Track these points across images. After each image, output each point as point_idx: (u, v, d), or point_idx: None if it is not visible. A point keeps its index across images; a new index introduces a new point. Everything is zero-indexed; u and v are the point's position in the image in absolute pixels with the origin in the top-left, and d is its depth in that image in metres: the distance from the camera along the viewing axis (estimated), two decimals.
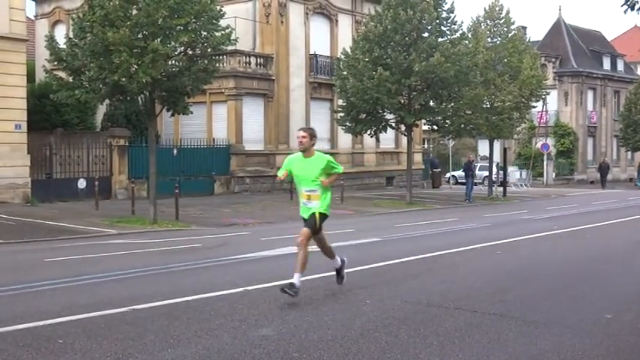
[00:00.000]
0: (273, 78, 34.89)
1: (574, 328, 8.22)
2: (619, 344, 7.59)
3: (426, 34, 30.06)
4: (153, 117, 22.15)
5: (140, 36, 20.08)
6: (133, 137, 30.35)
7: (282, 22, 35.16)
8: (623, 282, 11.57)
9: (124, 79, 19.71)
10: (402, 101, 30.30)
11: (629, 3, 6.56)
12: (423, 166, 45.87)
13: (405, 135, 32.37)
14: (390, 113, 31.12)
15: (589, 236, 19.10)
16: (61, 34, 28.38)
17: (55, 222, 20.89)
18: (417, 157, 43.42)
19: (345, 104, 30.88)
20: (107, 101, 25.10)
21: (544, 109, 52.71)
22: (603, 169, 50.00)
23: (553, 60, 58.99)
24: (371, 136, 33.03)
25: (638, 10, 6.51)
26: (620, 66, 65.37)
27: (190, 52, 21.02)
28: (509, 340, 7.58)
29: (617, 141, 61.32)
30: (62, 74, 22.29)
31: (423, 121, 34.76)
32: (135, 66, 19.61)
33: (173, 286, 10.56)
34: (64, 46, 21.34)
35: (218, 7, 21.19)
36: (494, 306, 9.26)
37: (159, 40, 19.88)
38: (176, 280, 11.24)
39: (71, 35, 21.50)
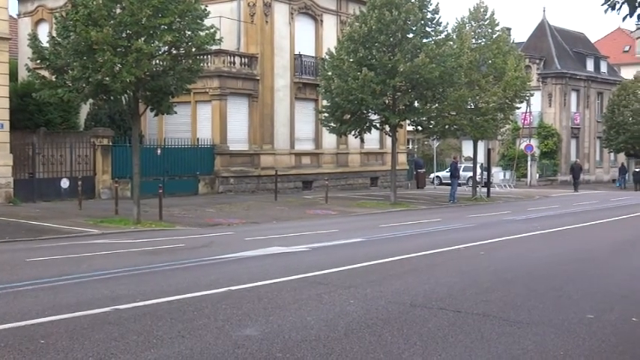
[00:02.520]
0: (258, 78, 34.83)
1: (557, 328, 8.27)
2: (601, 344, 7.63)
3: (410, 35, 30.08)
4: (136, 116, 22.06)
5: (124, 35, 19.97)
6: (116, 137, 30.20)
7: (266, 21, 35.10)
8: (605, 283, 11.64)
9: (107, 79, 19.60)
10: (387, 102, 30.31)
11: (609, 3, 6.59)
12: (408, 167, 45.92)
13: (389, 135, 32.39)
14: (375, 114, 31.13)
15: (572, 237, 19.21)
16: (44, 33, 28.22)
17: (38, 222, 20.75)
18: (402, 158, 43.47)
19: (329, 105, 30.87)
20: (90, 101, 24.95)
21: (528, 111, 52.92)
22: (576, 170, 49.41)
23: (537, 61, 59.23)
24: (355, 137, 33.03)
25: (618, 10, 6.54)
26: (604, 67, 65.73)
27: (174, 52, 20.92)
28: (492, 340, 7.61)
29: (601, 142, 61.63)
30: (45, 73, 22.13)
31: (408, 121, 34.76)
32: (118, 65, 19.50)
33: (156, 287, 10.53)
34: (47, 45, 21.20)
35: (202, 7, 21.11)
36: (477, 306, 9.30)
37: (143, 39, 19.78)
38: (159, 281, 11.20)
39: (54, 34, 21.37)
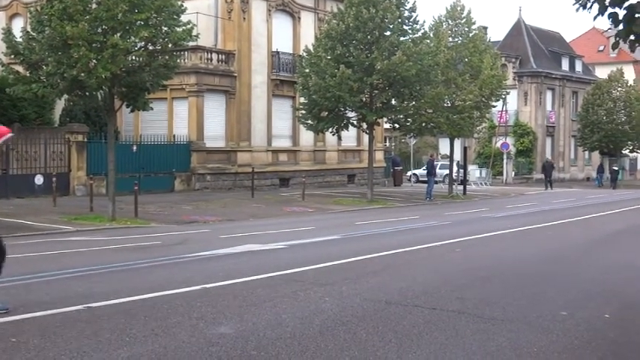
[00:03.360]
0: (235, 75, 34.72)
1: (531, 324, 8.30)
2: (574, 340, 7.67)
3: (388, 33, 30.13)
4: (112, 113, 21.91)
5: (99, 30, 19.83)
6: (91, 133, 29.97)
7: (244, 18, 34.99)
8: (580, 280, 11.71)
9: (82, 74, 19.46)
10: (364, 99, 30.35)
11: (580, 2, 6.62)
12: (385, 164, 46.02)
13: (366, 133, 32.44)
14: (352, 111, 31.17)
15: (547, 234, 19.32)
16: (18, 28, 27.91)
17: (12, 218, 20.52)
18: (379, 155, 43.55)
19: (307, 102, 30.85)
20: (65, 96, 24.74)
21: (504, 109, 53.21)
22: (547, 168, 49.58)
23: (513, 60, 59.58)
24: (333, 134, 33.04)
25: (589, 9, 6.58)
26: (579, 67, 66.27)
27: (151, 48, 20.81)
28: (467, 337, 7.61)
29: (575, 141, 62.16)
30: (19, 68, 21.93)
31: (385, 119, 34.85)
32: (94, 61, 19.37)
33: (131, 284, 10.44)
34: (22, 40, 21.00)
35: (179, 3, 21.05)
36: (452, 303, 9.31)
37: (119, 34, 19.66)
38: (134, 278, 11.12)
39: (29, 29, 21.19)
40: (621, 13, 6.56)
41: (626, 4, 6.52)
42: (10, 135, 8.59)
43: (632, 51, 7.15)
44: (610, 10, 6.54)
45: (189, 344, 7.15)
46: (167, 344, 7.13)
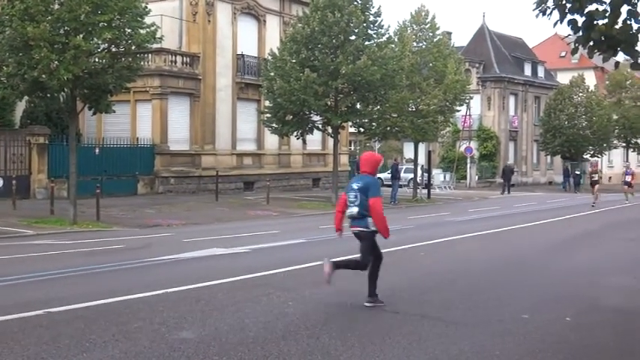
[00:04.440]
0: (200, 77, 34.54)
1: (493, 328, 8.35)
2: (536, 344, 7.73)
3: (353, 37, 30.21)
4: (74, 115, 21.65)
5: (62, 31, 19.56)
6: (53, 135, 29.58)
7: (209, 21, 34.84)
8: (541, 283, 11.82)
9: (44, 76, 19.21)
10: (329, 103, 30.38)
11: (540, 8, 6.68)
12: (350, 168, 46.08)
13: (331, 137, 32.47)
14: (317, 115, 31.19)
15: (510, 238, 19.47)
16: None
17: None
18: (344, 159, 43.63)
19: (271, 105, 30.81)
20: (26, 98, 24.42)
21: (467, 113, 53.64)
22: (507, 173, 49.71)
23: (477, 65, 60.09)
24: (297, 138, 33.03)
25: (549, 15, 6.64)
26: (541, 72, 67.04)
27: (114, 50, 20.59)
28: (430, 341, 7.64)
29: (538, 145, 62.80)
30: None
31: (350, 123, 34.92)
32: (56, 62, 19.11)
33: (91, 289, 10.31)
34: None
35: (143, 5, 20.86)
36: (415, 307, 9.34)
37: (81, 36, 19.40)
38: (95, 283, 10.98)
39: None
40: (580, 20, 6.65)
41: (585, 11, 6.60)
42: None
43: (591, 57, 7.22)
44: (570, 16, 6.62)
45: (151, 349, 7.07)
46: (128, 350, 7.04)
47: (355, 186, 9.10)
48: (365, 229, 9.10)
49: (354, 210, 9.12)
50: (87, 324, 8.03)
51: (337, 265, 9.36)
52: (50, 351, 6.91)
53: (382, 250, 14.93)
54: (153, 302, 9.30)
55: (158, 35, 21.03)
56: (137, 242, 16.98)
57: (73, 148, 21.44)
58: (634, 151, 62.88)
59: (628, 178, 38.34)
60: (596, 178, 35.47)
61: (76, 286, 10.55)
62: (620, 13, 6.63)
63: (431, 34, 37.28)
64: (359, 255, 9.35)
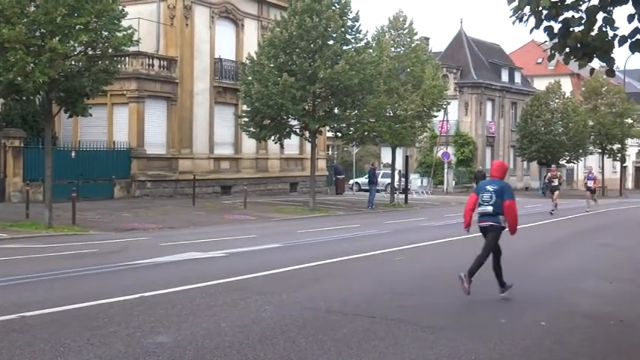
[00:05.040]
0: (177, 81, 34.42)
1: (470, 332, 8.39)
2: (511, 348, 7.78)
3: (331, 42, 30.24)
4: (50, 118, 21.49)
5: (37, 34, 19.41)
6: (29, 138, 29.29)
7: (187, 24, 34.73)
8: (518, 288, 11.87)
9: (19, 78, 19.03)
10: (307, 108, 30.38)
11: (517, 15, 6.73)
12: (327, 173, 46.13)
13: (309, 141, 32.47)
14: (295, 119, 31.19)
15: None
16: None
17: None
18: (321, 164, 43.63)
19: (249, 109, 30.75)
20: (1, 100, 24.20)
21: (445, 119, 53.89)
22: (478, 178, 49.27)
23: (454, 71, 60.42)
24: (275, 142, 32.98)
25: (525, 22, 6.69)
26: (518, 78, 67.54)
27: (90, 52, 20.46)
28: (406, 346, 7.66)
29: (514, 151, 63.21)
30: None
31: (327, 127, 34.92)
32: (31, 65, 18.93)
33: (67, 293, 10.23)
34: None
35: (120, 7, 20.75)
36: (392, 312, 9.36)
37: (57, 38, 19.26)
38: (70, 287, 10.89)
39: None
40: (557, 26, 6.70)
41: (561, 18, 6.66)
42: None
43: (567, 63, 7.29)
44: (546, 23, 6.67)
45: (126, 354, 7.03)
46: (102, 354, 7.00)
47: (490, 188, 10.50)
48: (496, 224, 10.45)
49: (488, 208, 10.49)
50: (61, 328, 7.97)
51: (471, 273, 10.49)
52: (24, 355, 6.85)
53: (362, 255, 14.97)
54: (128, 306, 9.25)
55: (135, 38, 20.96)
56: (113, 246, 16.87)
57: (48, 152, 21.28)
58: (609, 157, 63.44)
59: (590, 184, 36.46)
60: (556, 184, 33.39)
61: (50, 290, 10.46)
62: (595, 21, 6.69)
63: (409, 39, 37.43)
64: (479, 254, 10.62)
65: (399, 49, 37.18)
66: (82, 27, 19.42)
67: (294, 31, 29.13)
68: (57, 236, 19.02)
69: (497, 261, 10.76)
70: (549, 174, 35.47)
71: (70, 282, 11.40)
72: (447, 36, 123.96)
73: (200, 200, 31.91)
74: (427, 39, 53.34)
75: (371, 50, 32.67)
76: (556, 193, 32.90)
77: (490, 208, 10.45)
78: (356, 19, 31.26)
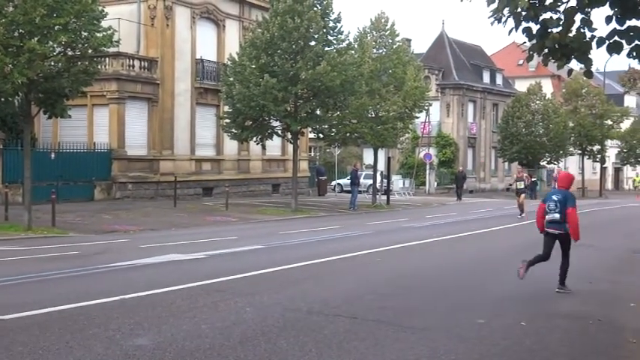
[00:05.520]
0: (158, 82, 34.26)
1: (449, 333, 8.41)
2: (490, 348, 7.81)
3: (312, 43, 30.24)
4: (29, 119, 21.33)
5: (16, 34, 19.26)
6: (7, 140, 29.05)
7: (167, 25, 34.59)
8: (498, 288, 11.95)
9: None
10: (289, 109, 30.36)
11: (495, 16, 6.76)
12: (309, 174, 46.11)
13: (291, 142, 32.45)
14: (277, 120, 31.15)
15: (468, 244, 19.64)
16: None
17: None
18: (303, 165, 43.61)
19: (231, 110, 30.69)
20: None
21: (427, 120, 54.02)
22: (459, 179, 48.92)
23: (436, 72, 60.58)
24: (257, 143, 32.94)
25: (504, 23, 6.72)
26: (499, 80, 67.83)
27: (70, 53, 20.33)
28: (387, 346, 7.66)
29: (496, 152, 63.46)
30: None
31: (309, 129, 34.93)
32: (10, 66, 18.77)
33: (46, 295, 10.16)
34: None
35: (100, 8, 20.64)
36: (373, 313, 9.36)
37: (36, 39, 19.12)
38: (49, 289, 10.82)
39: None
40: (535, 27, 6.73)
41: (540, 19, 6.68)
42: None
43: (545, 64, 7.33)
44: (524, 24, 6.70)
45: (105, 356, 7.00)
46: (82, 357, 6.96)
47: (555, 198, 11.54)
48: (563, 232, 11.46)
49: (555, 216, 11.49)
50: (41, 331, 7.92)
51: (562, 280, 11.83)
52: (2, 359, 6.79)
53: (343, 256, 15.00)
54: (108, 309, 9.20)
55: (115, 39, 20.83)
56: (93, 248, 16.77)
57: (27, 153, 21.12)
58: (589, 158, 63.88)
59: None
60: (522, 186, 30.98)
61: (30, 293, 10.38)
62: (573, 22, 6.73)
63: (390, 40, 37.49)
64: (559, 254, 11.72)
65: (380, 51, 37.24)
66: (61, 27, 19.30)
67: (276, 31, 29.11)
68: (36, 238, 18.89)
69: (537, 260, 11.88)
70: (515, 175, 33.54)
71: (50, 284, 11.32)
72: (428, 37, 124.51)
73: (181, 202, 31.80)
74: (409, 40, 53.40)
75: (353, 51, 32.69)
76: (522, 196, 30.68)
77: (557, 216, 11.46)
78: (338, 20, 31.28)
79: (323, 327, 8.44)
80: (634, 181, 61.32)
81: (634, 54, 6.65)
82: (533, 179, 55.61)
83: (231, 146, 37.80)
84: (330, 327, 8.45)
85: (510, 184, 34.74)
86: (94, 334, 7.84)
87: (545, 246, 11.70)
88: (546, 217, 11.64)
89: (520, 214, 29.38)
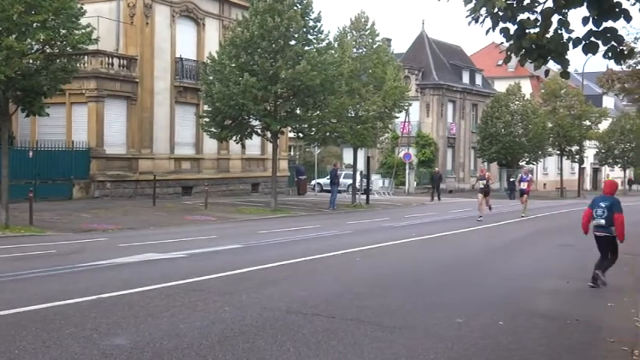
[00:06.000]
0: (137, 80, 34.09)
1: (428, 332, 8.44)
2: (469, 347, 7.84)
3: (292, 42, 30.21)
4: (6, 117, 21.15)
5: None
6: None
7: (147, 23, 34.42)
8: (477, 288, 12.00)
9: None
10: (268, 108, 30.33)
11: (473, 16, 6.78)
12: (289, 173, 46.08)
13: (270, 142, 32.40)
14: (256, 120, 31.10)
15: (447, 243, 19.72)
16: None
17: None
18: (283, 164, 43.58)
19: (210, 109, 30.59)
20: None
21: (406, 120, 54.17)
22: (435, 179, 48.54)
23: (416, 72, 60.78)
24: (237, 143, 32.87)
25: (481, 23, 6.74)
26: (479, 80, 68.18)
27: (48, 51, 20.18)
28: (365, 345, 7.68)
29: (475, 152, 63.78)
30: None
31: (289, 128, 34.90)
32: None
33: (23, 294, 10.08)
34: None
35: (78, 5, 20.50)
36: (352, 312, 9.37)
37: (14, 36, 18.96)
38: (26, 288, 10.73)
39: None
40: (513, 28, 6.76)
41: (517, 19, 6.72)
42: None
43: (522, 65, 7.37)
44: (502, 25, 6.72)
45: (82, 356, 6.96)
46: (58, 356, 6.91)
47: (603, 204, 12.30)
48: (609, 235, 12.23)
49: (601, 221, 12.28)
50: (17, 330, 7.85)
51: (603, 269, 12.41)
52: None
53: (322, 255, 15.04)
54: (85, 308, 9.14)
55: (94, 36, 20.70)
56: (71, 247, 16.66)
57: (5, 151, 20.94)
58: (568, 158, 64.36)
59: (523, 186, 30.80)
60: (482, 186, 28.54)
61: (5, 292, 10.29)
62: (550, 23, 6.77)
63: (370, 40, 37.54)
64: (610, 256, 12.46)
65: (360, 50, 37.27)
66: (39, 25, 19.15)
67: (256, 30, 29.05)
68: (13, 237, 18.74)
69: (602, 261, 12.50)
70: (478, 174, 31.26)
71: (27, 283, 11.23)
72: (408, 37, 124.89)
73: (161, 201, 31.67)
74: (389, 40, 53.61)
75: (333, 51, 32.68)
76: (479, 196, 28.35)
77: (603, 221, 12.23)
78: (318, 19, 31.26)
79: (301, 326, 8.44)
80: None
81: (609, 54, 6.71)
82: (511, 179, 55.95)
83: (210, 145, 37.69)
84: (308, 326, 8.45)
85: (473, 185, 33.59)
86: (71, 333, 7.79)
87: (599, 249, 12.49)
88: (593, 222, 12.48)
89: (479, 217, 27.23)
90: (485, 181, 28.74)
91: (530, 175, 32.23)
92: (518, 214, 31.07)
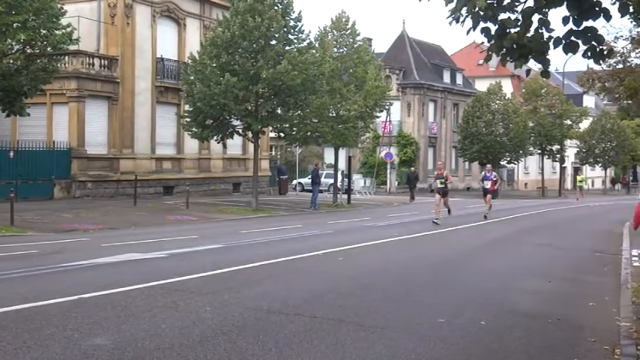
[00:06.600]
0: (118, 80, 33.96)
1: (410, 332, 8.47)
2: (450, 347, 7.87)
3: (273, 42, 30.21)
4: None
5: None
6: None
7: (128, 23, 34.29)
8: (459, 287, 12.05)
9: None
10: (250, 108, 30.30)
11: (454, 16, 6.81)
12: (270, 173, 46.05)
13: (252, 142, 32.38)
14: (238, 119, 31.06)
15: (429, 243, 19.79)
16: None
17: None
18: (264, 164, 43.54)
19: (191, 109, 30.52)
20: None
21: (388, 119, 54.29)
22: (411, 179, 47.79)
23: (397, 72, 60.92)
24: (218, 142, 32.82)
25: (462, 22, 6.77)
26: (459, 80, 68.44)
27: (29, 51, 20.13)
28: (347, 345, 7.69)
29: (456, 151, 64.01)
30: None
31: (270, 128, 34.87)
32: None
33: (3, 294, 10.00)
34: None
35: (59, 5, 20.49)
36: (333, 311, 9.39)
37: None
38: (6, 288, 10.65)
39: None
40: (493, 27, 6.80)
41: (498, 19, 6.75)
42: None
43: (504, 65, 7.41)
44: (483, 24, 6.76)
45: (63, 356, 6.92)
46: (39, 357, 6.88)
47: None
48: None
49: None
50: None
51: None
52: None
53: (304, 255, 15.03)
54: (67, 308, 9.09)
55: (74, 37, 20.69)
56: (52, 247, 16.56)
57: None
58: (549, 157, 64.73)
59: (487, 185, 29.17)
60: (439, 185, 26.33)
61: None
62: (531, 22, 6.81)
63: (351, 40, 37.61)
64: None
65: (341, 50, 37.34)
66: (19, 25, 19.10)
67: (237, 30, 29.02)
68: None
69: None
70: (436, 172, 28.78)
71: (7, 283, 11.14)
72: (389, 37, 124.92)
73: (142, 201, 31.56)
74: (370, 40, 53.70)
75: (314, 51, 32.70)
76: (437, 197, 26.06)
77: None
78: (298, 19, 31.28)
79: (283, 326, 8.44)
80: (579, 181, 62.15)
81: (589, 54, 6.76)
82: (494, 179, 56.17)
83: (191, 145, 37.61)
84: (290, 326, 8.46)
85: (430, 185, 31.45)
86: (52, 333, 7.75)
87: None
88: None
89: (435, 219, 25.13)
90: (443, 180, 26.22)
91: (493, 173, 30.47)
92: (498, 213, 31.20)
